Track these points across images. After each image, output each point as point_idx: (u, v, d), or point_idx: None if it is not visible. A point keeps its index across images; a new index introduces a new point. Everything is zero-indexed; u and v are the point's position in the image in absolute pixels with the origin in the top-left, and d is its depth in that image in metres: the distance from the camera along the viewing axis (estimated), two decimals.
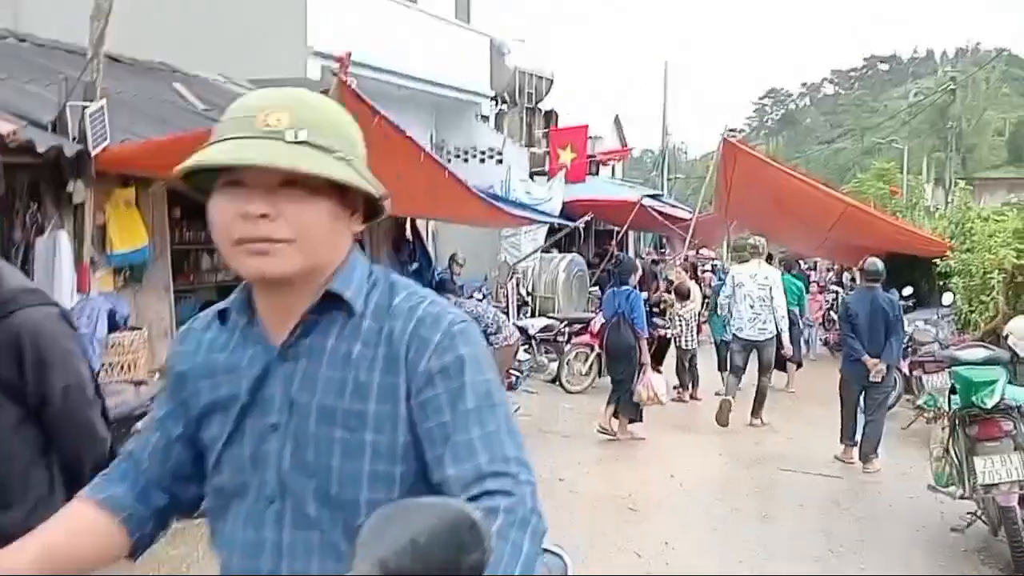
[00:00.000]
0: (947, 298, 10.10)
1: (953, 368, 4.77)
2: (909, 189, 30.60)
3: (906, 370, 9.45)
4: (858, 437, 7.02)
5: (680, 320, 10.20)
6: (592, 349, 10.30)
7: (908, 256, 13.96)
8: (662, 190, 27.25)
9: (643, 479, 6.34)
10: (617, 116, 26.82)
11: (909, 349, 9.47)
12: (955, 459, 4.79)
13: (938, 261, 13.16)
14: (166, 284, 6.93)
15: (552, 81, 18.09)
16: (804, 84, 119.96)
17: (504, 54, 16.68)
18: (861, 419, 7.10)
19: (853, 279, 19.19)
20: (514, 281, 11.99)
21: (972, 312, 11.53)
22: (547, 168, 15.96)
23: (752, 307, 8.51)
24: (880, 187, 27.95)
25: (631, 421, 7.86)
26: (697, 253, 25.02)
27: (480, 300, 11.94)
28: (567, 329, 11.05)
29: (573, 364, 10.34)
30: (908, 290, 12.33)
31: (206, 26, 11.35)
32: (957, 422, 4.64)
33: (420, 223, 11.48)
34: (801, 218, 15.60)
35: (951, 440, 4.81)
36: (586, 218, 10.73)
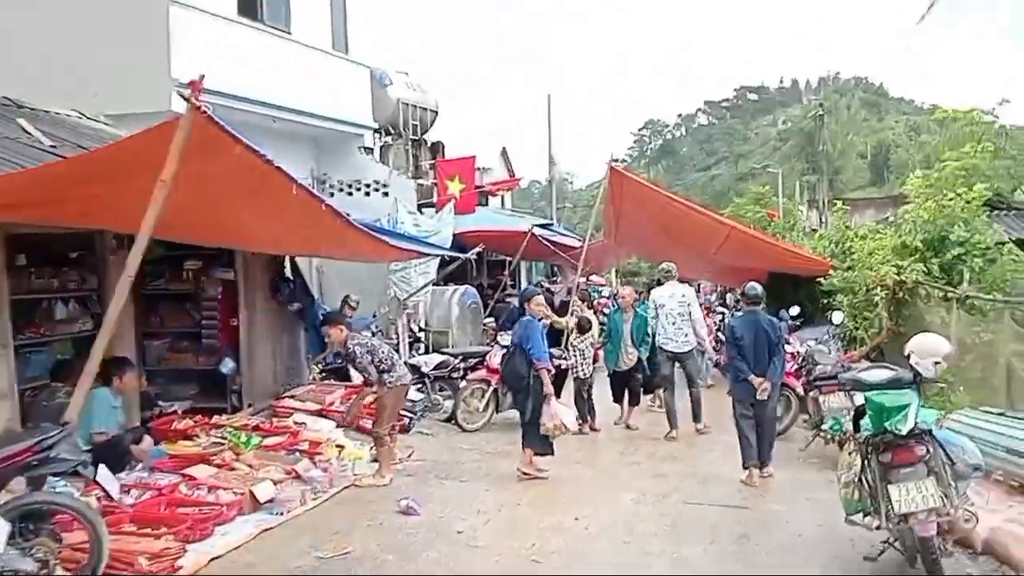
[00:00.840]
0: (836, 316, 10.25)
1: (864, 393, 4.61)
2: (785, 211, 31.93)
3: (800, 390, 9.49)
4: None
5: (576, 351, 9.96)
6: (488, 384, 9.91)
7: (792, 276, 14.28)
8: (551, 219, 27.33)
9: (547, 525, 5.94)
10: (504, 148, 26.83)
11: (803, 369, 9.51)
12: (868, 487, 4.62)
13: (822, 280, 13.50)
14: (3, 340, 6.10)
15: (437, 112, 17.79)
16: (680, 115, 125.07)
17: (386, 85, 16.28)
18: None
19: (737, 300, 19.65)
20: (405, 317, 11.47)
21: (857, 329, 11.80)
22: (435, 200, 15.57)
23: (674, 323, 9.76)
24: (757, 210, 28.90)
25: (539, 454, 7.57)
26: (587, 280, 25.21)
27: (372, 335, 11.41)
28: (462, 364, 10.62)
29: (469, 401, 9.90)
30: (795, 310, 12.56)
31: (64, 60, 10.55)
32: (869, 449, 4.46)
33: (302, 260, 10.84)
34: (687, 242, 15.76)
35: (863, 468, 4.64)
36: (477, 249, 10.38)
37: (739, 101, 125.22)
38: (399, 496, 6.55)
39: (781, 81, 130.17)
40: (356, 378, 10.69)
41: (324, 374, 10.79)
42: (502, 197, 25.44)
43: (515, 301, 16.25)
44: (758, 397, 7.31)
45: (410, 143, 16.72)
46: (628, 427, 9.97)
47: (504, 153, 27.58)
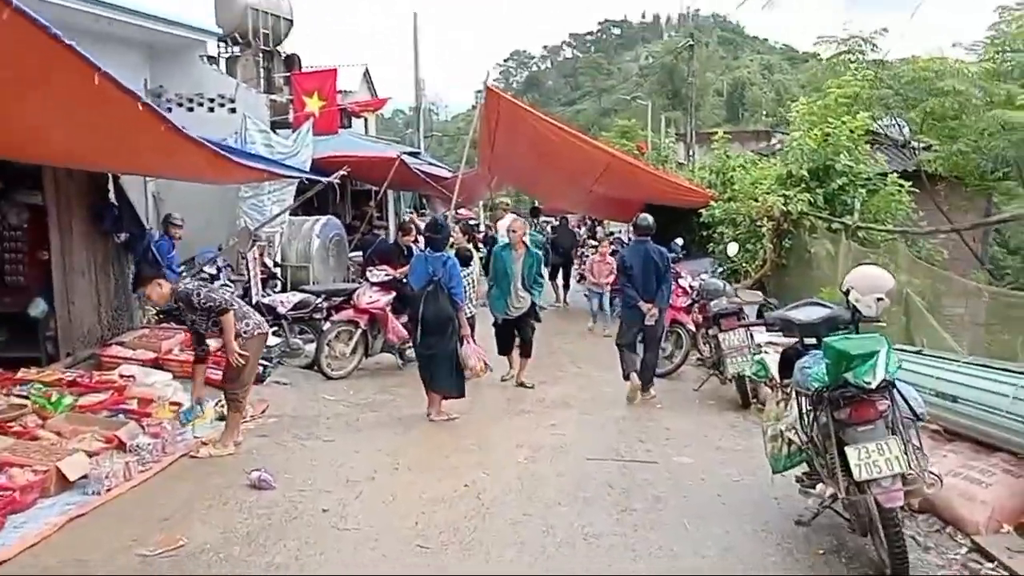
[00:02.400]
0: (732, 248, 9.71)
1: (826, 338, 3.87)
2: (653, 145, 31.84)
3: (691, 326, 8.96)
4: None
5: None
6: (356, 326, 8.79)
7: (668, 209, 13.78)
8: (419, 148, 25.88)
9: (432, 495, 5.00)
10: (367, 69, 24.97)
11: (697, 305, 8.97)
12: (814, 446, 3.95)
13: (701, 212, 13.08)
14: None
15: (292, 22, 15.91)
16: (545, 47, 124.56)
17: None
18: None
19: (611, 233, 19.15)
20: (257, 250, 10.05)
21: (741, 261, 11.44)
22: (291, 118, 13.92)
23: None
24: (624, 144, 28.63)
25: (449, 397, 7.10)
26: (456, 213, 24.13)
27: (218, 273, 9.98)
28: (325, 304, 9.41)
29: (334, 345, 8.75)
30: (679, 241, 12.07)
31: None
32: (819, 402, 3.75)
33: (133, 185, 9.21)
34: (565, 172, 15.00)
35: (809, 424, 3.94)
36: (341, 172, 9.10)
37: (603, 35, 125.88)
38: (249, 466, 5.43)
39: (643, 16, 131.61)
40: None
41: (160, 316, 9.32)
42: (365, 121, 23.72)
43: (382, 234, 15.03)
44: (646, 322, 7.72)
45: (261, 55, 14.84)
46: (522, 385, 8.36)
47: (367, 75, 25.73)
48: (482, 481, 5.25)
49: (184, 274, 9.57)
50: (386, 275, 9.00)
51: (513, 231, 8.56)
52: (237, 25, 14.46)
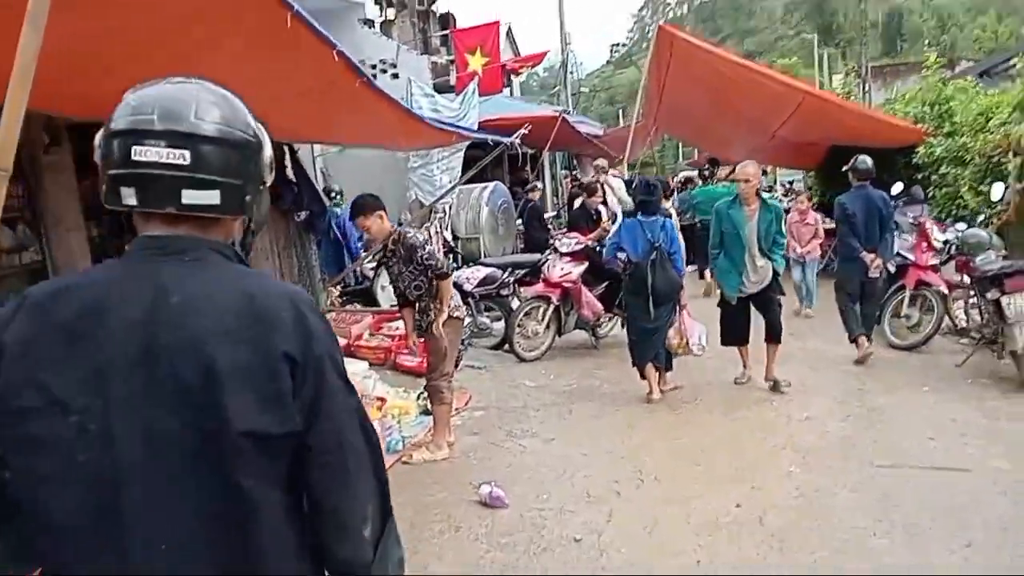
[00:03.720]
0: (997, 190, 8.08)
1: None
2: (820, 84, 29.25)
3: (944, 289, 7.55)
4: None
5: None
6: (548, 302, 7.98)
7: (864, 150, 12.10)
8: (568, 106, 24.82)
9: (702, 520, 4.09)
10: (510, 27, 24.06)
11: (951, 262, 7.54)
12: None
13: (911, 152, 11.38)
14: None
15: None
16: None
17: None
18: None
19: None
20: (437, 223, 9.43)
21: (975, 205, 9.72)
22: (453, 80, 13.22)
23: None
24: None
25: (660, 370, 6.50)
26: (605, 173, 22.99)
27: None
28: (511, 279, 8.66)
29: (526, 324, 7.97)
30: (898, 187, 10.48)
31: None
32: None
33: (304, 155, 8.75)
34: (748, 115, 13.53)
35: None
36: (523, 131, 8.26)
37: None
38: (469, 475, 4.72)
39: None
40: (385, 301, 8.85)
41: (345, 299, 8.90)
42: (509, 85, 22.93)
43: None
44: (870, 275, 7.20)
45: (417, 15, 14.21)
46: (775, 387, 6.44)
47: (510, 33, 24.84)
48: (755, 499, 4.29)
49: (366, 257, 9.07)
50: (577, 243, 8.12)
51: (745, 180, 6.36)
52: None
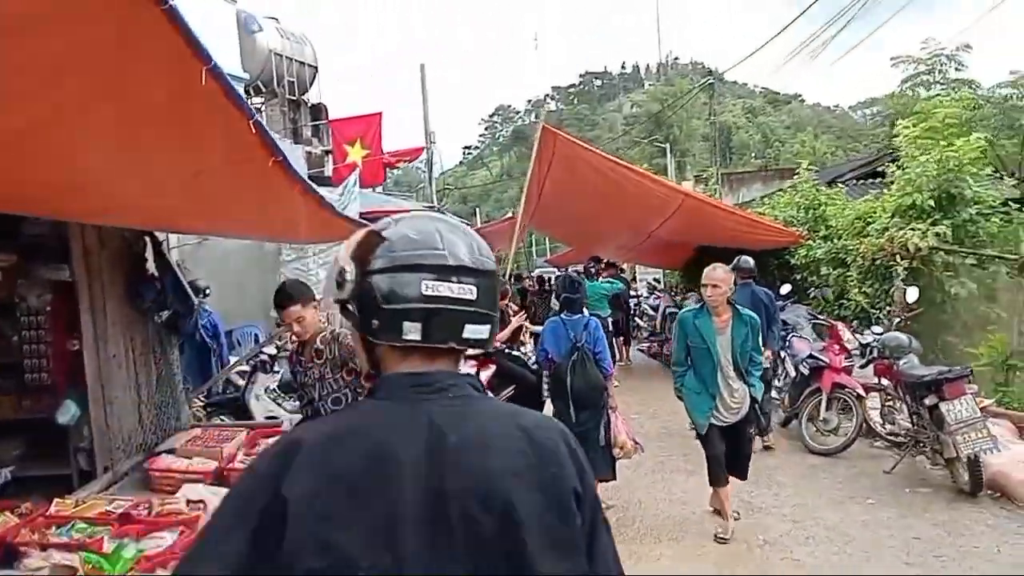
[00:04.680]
0: (911, 294, 8.12)
1: None
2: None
3: (859, 391, 7.38)
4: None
5: None
6: None
7: (732, 249, 12.35)
8: (432, 203, 24.55)
9: None
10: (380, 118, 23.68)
11: (875, 365, 7.39)
12: None
13: (786, 254, 11.69)
14: None
15: (316, 68, 14.56)
16: (529, 101, 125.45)
17: (254, 32, 12.95)
18: None
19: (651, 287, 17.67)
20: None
21: (871, 305, 9.89)
22: (328, 171, 12.45)
23: None
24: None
25: (604, 480, 5.72)
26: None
27: (276, 354, 8.35)
28: None
29: None
30: (786, 288, 10.57)
31: None
32: None
33: (168, 246, 7.64)
34: (627, 214, 13.59)
35: None
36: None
37: (585, 87, 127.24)
38: None
39: (623, 67, 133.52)
40: (260, 412, 7.71)
41: (210, 410, 7.69)
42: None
43: None
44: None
45: (287, 104, 13.44)
46: (718, 514, 5.72)
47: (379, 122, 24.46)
48: None
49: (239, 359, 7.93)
50: None
51: (713, 285, 5.39)
52: (262, 72, 13.08)
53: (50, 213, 4.27)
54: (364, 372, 1.47)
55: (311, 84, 14.28)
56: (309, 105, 14.19)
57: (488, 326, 1.35)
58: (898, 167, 10.61)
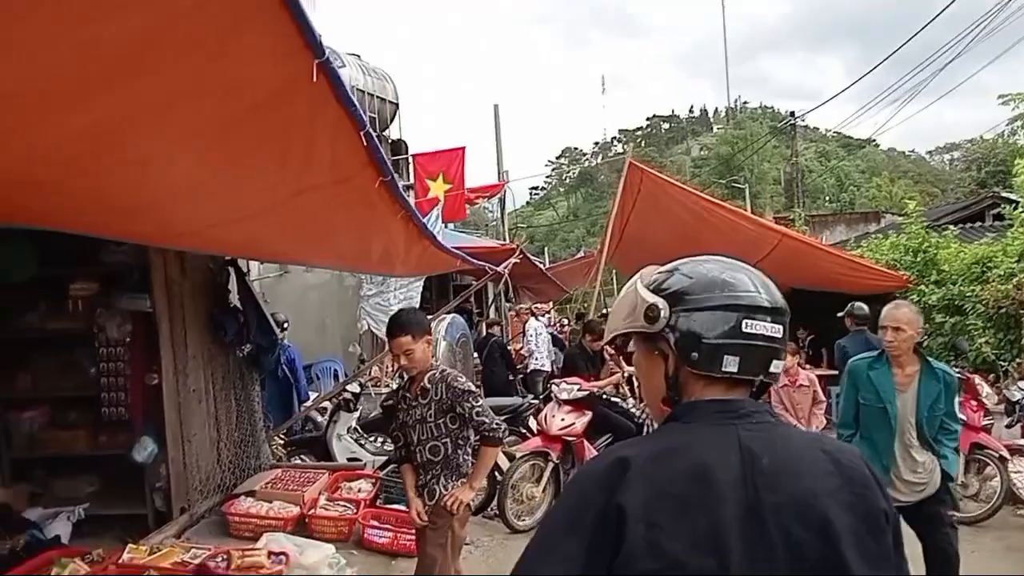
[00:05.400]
0: None
1: None
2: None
3: (1004, 451, 6.59)
4: None
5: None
6: (546, 458, 6.65)
7: (830, 293, 11.56)
8: (505, 240, 24.33)
9: None
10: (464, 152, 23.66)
11: (1015, 423, 6.61)
12: None
13: (910, 298, 10.81)
14: None
15: (397, 105, 14.47)
16: (596, 143, 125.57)
17: (337, 67, 12.87)
18: None
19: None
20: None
21: (998, 357, 9.04)
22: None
23: None
24: None
25: None
26: (528, 310, 22.20)
27: (360, 391, 7.96)
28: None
29: (521, 486, 6.58)
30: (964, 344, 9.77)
31: None
32: None
33: (252, 274, 7.40)
34: (715, 253, 12.98)
35: None
36: (513, 260, 7.21)
37: (652, 130, 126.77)
38: None
39: (691, 110, 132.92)
40: (342, 454, 7.32)
41: (290, 450, 7.34)
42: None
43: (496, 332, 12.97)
44: None
45: None
46: None
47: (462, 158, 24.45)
48: None
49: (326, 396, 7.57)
50: (580, 390, 6.91)
51: (896, 327, 4.15)
52: None
53: (126, 234, 3.93)
54: (661, 396, 1.52)
55: (392, 120, 14.17)
56: (390, 141, 14.06)
57: (783, 361, 1.48)
58: (1015, 208, 9.80)
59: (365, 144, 2.73)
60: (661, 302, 1.46)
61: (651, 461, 1.34)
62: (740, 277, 1.49)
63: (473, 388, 4.01)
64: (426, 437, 3.99)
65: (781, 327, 1.44)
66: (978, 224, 17.82)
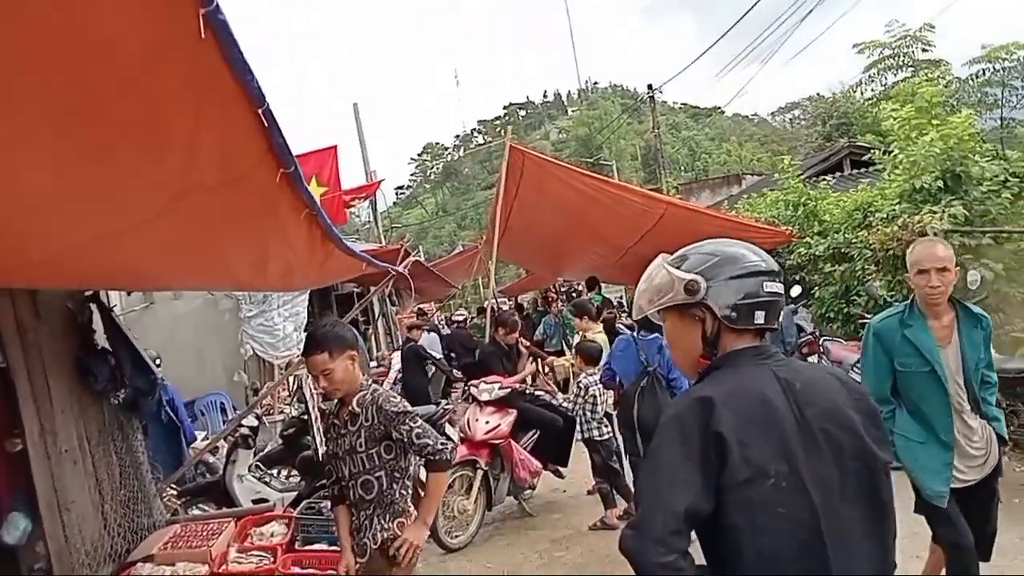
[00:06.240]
0: (973, 277, 7.41)
1: None
2: None
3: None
4: None
5: (587, 395, 6.37)
6: (475, 467, 6.17)
7: None
8: (380, 241, 23.57)
9: None
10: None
11: None
12: None
13: (797, 250, 11.01)
14: None
15: None
16: (457, 136, 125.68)
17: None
18: None
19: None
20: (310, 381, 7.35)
21: (891, 298, 9.24)
22: None
23: None
24: None
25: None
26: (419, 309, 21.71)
27: (257, 425, 7.21)
28: None
29: (449, 500, 6.07)
30: (797, 289, 9.90)
31: None
32: None
33: (115, 308, 6.51)
34: (602, 231, 12.84)
35: None
36: (410, 261, 6.68)
37: (510, 118, 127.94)
38: None
39: (545, 95, 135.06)
40: (245, 496, 6.57)
41: (185, 499, 6.52)
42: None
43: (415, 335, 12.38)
44: None
45: None
46: None
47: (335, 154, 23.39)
48: None
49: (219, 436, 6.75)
50: (501, 388, 6.46)
51: (943, 269, 3.55)
52: None
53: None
54: (698, 352, 1.92)
55: None
56: None
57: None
58: (889, 152, 10.09)
59: (265, 126, 2.15)
60: (699, 277, 1.85)
61: (729, 397, 1.73)
62: (744, 251, 1.90)
63: (408, 408, 3.48)
64: (358, 470, 3.45)
65: (782, 285, 1.91)
66: (838, 174, 18.67)
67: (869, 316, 8.41)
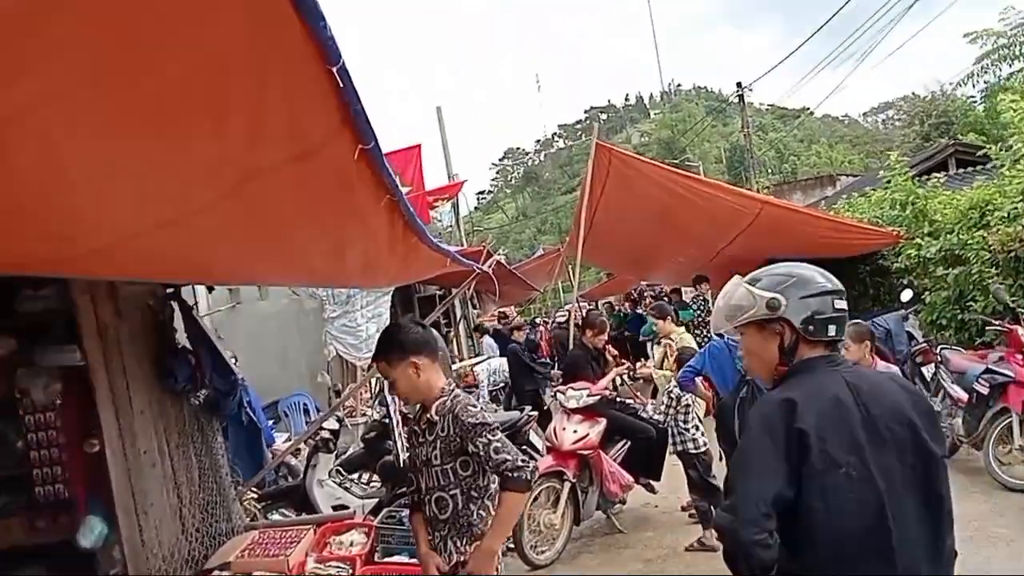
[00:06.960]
0: None
1: None
2: None
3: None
4: None
5: (680, 405, 5.93)
6: (562, 479, 5.80)
7: (808, 259, 10.94)
8: (463, 245, 23.51)
9: None
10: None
11: None
12: None
13: (907, 253, 10.23)
14: None
15: None
16: (538, 141, 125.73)
17: None
18: None
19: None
20: (381, 386, 7.14)
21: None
22: None
23: None
24: None
25: None
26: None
27: (338, 428, 7.03)
28: None
29: (535, 514, 5.72)
30: (908, 294, 9.16)
31: None
32: None
33: (200, 308, 6.43)
34: (691, 232, 12.31)
35: None
36: (493, 260, 6.38)
37: (591, 121, 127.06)
38: None
39: (627, 99, 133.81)
40: (326, 502, 6.37)
41: (265, 504, 6.36)
42: None
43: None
44: None
45: None
46: None
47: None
48: None
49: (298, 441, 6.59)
50: (590, 395, 6.07)
51: None
52: None
53: (31, 267, 2.95)
54: (776, 361, 2.22)
55: None
56: None
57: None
58: (1009, 147, 9.27)
59: (340, 88, 1.83)
60: (780, 296, 2.15)
61: (808, 398, 2.03)
62: (814, 273, 2.21)
63: (488, 419, 3.12)
64: (432, 485, 3.13)
65: (846, 303, 2.21)
66: (944, 174, 17.54)
67: (995, 321, 7.68)
